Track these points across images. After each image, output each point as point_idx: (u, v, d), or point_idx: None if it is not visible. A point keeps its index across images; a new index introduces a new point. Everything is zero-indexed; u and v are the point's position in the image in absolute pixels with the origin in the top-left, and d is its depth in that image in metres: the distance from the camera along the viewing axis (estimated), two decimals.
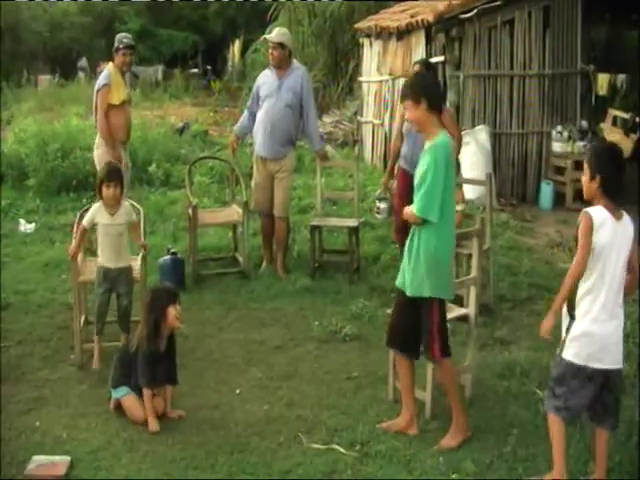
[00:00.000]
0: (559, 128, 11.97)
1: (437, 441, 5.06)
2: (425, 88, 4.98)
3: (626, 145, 16.00)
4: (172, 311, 5.43)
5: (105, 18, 38.14)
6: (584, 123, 12.35)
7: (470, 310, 5.59)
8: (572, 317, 4.50)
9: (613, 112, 17.41)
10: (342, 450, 4.96)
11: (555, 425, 4.57)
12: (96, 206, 6.27)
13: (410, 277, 5.01)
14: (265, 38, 8.38)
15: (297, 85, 8.28)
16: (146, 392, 5.32)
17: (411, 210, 4.95)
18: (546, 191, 11.81)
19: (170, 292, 5.63)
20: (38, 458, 4.82)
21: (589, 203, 4.54)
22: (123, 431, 5.23)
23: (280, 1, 21.14)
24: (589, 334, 4.45)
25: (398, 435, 5.13)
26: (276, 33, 8.40)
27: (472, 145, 11.27)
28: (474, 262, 5.54)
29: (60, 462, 4.78)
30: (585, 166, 4.55)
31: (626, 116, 16.74)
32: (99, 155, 8.69)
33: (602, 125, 16.24)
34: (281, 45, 8.25)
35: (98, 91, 8.63)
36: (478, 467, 4.75)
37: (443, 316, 5.12)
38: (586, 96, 12.57)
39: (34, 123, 14.52)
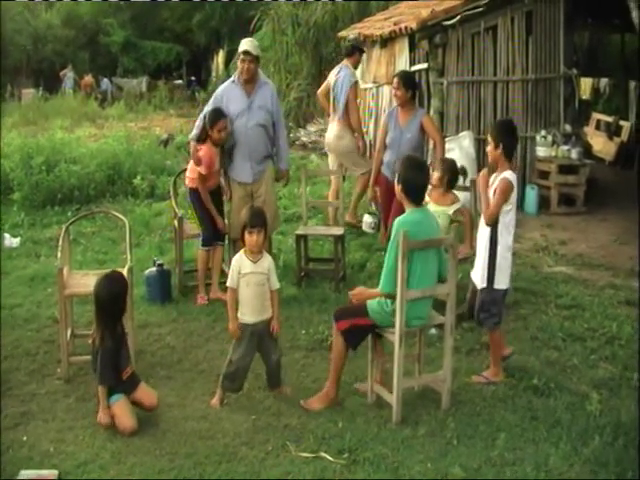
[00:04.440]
0: (543, 132, 12.01)
1: (425, 448, 5.07)
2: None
3: (610, 148, 16.12)
4: (127, 300, 5.70)
5: (89, 31, 38.23)
6: (568, 127, 12.40)
7: (447, 319, 5.59)
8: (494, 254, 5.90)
9: (596, 116, 17.52)
10: (330, 458, 4.96)
11: (497, 335, 6.05)
12: (236, 257, 5.77)
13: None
14: (246, 51, 7.87)
15: (268, 103, 8.06)
16: (101, 389, 5.45)
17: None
18: (531, 195, 11.82)
19: (124, 280, 5.75)
20: (26, 472, 4.80)
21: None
22: (110, 443, 5.21)
23: (264, 10, 21.22)
24: (507, 261, 5.97)
25: (386, 442, 5.13)
26: (252, 45, 7.98)
27: (456, 151, 11.29)
28: (450, 272, 5.53)
29: (48, 476, 4.76)
30: (489, 138, 5.99)
31: (609, 119, 16.84)
32: (345, 145, 10.14)
33: (586, 129, 16.34)
34: (257, 58, 7.98)
35: (350, 88, 9.90)
36: (466, 472, 4.75)
37: (367, 325, 5.60)
38: (569, 100, 12.61)
39: (18, 137, 14.56)
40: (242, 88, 8.06)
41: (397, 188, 5.57)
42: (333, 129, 10.20)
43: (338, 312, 5.76)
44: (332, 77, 10.28)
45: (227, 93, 8.15)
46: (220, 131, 7.83)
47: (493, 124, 6.40)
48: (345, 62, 10.23)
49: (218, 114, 7.88)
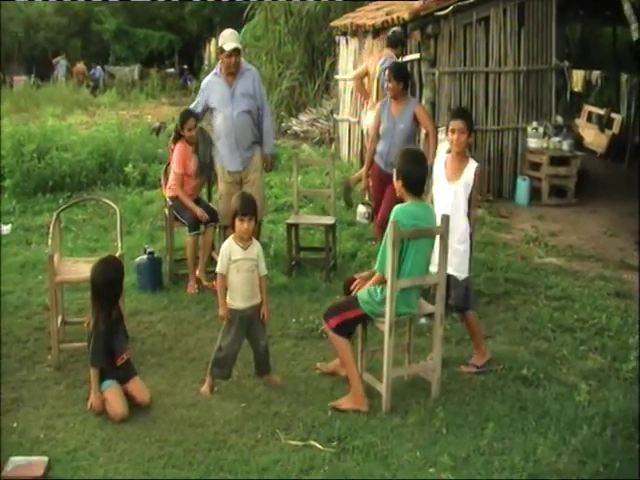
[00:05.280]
0: (534, 124, 12.04)
1: (414, 436, 5.08)
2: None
3: (601, 141, 16.15)
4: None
5: (81, 18, 38.07)
6: (559, 119, 12.43)
7: (436, 309, 5.61)
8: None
9: (588, 108, 17.54)
10: (319, 446, 4.97)
11: (474, 317, 6.17)
12: (226, 244, 5.76)
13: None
14: (236, 48, 7.90)
15: (250, 89, 8.07)
16: (92, 371, 5.47)
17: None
18: (522, 187, 11.86)
19: (120, 265, 5.81)
20: (15, 459, 4.80)
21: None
22: (100, 430, 5.22)
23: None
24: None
25: (375, 430, 5.15)
26: (232, 38, 8.01)
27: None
28: (439, 261, 5.54)
29: (38, 463, 4.76)
30: (461, 126, 6.14)
31: (601, 112, 16.86)
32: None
33: (577, 121, 16.36)
34: (238, 50, 7.96)
35: None
36: (454, 461, 4.76)
37: (358, 316, 5.56)
38: (561, 92, 12.63)
39: (9, 124, 14.49)
40: (224, 79, 8.10)
41: (396, 183, 5.54)
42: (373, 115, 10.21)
43: (326, 312, 5.77)
44: (375, 66, 10.41)
45: (210, 86, 8.22)
46: (190, 129, 8.10)
47: (458, 113, 6.66)
48: (389, 52, 10.36)
49: (187, 114, 8.21)
